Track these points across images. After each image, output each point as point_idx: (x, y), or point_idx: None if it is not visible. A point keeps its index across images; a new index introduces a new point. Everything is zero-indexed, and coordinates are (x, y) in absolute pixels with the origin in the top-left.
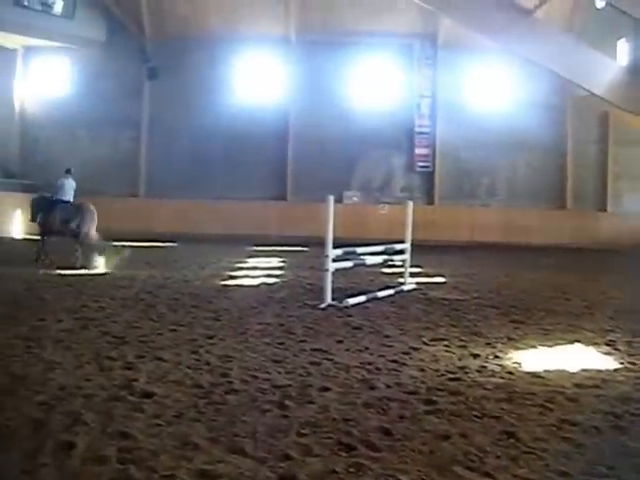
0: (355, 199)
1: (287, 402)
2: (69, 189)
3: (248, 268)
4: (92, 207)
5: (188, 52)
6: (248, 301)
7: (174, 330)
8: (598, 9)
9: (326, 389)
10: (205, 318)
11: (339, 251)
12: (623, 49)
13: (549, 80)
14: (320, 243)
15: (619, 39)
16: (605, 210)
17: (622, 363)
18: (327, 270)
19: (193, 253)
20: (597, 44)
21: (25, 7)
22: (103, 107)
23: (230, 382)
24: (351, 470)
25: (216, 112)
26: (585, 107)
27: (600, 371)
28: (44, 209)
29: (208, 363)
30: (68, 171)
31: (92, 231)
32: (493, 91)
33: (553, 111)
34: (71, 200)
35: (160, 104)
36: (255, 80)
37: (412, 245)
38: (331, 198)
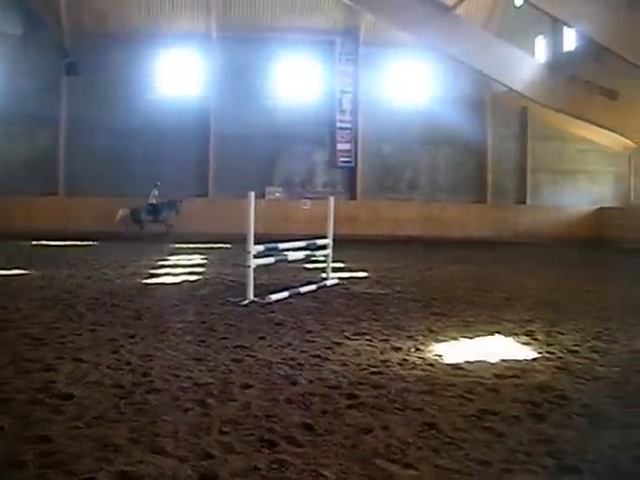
0: (277, 195)
1: (209, 400)
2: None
3: (170, 266)
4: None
5: (108, 48)
6: (169, 299)
7: (94, 330)
8: (517, 7)
9: (248, 386)
10: (126, 317)
11: (261, 247)
12: (541, 46)
13: (469, 76)
14: (242, 239)
15: (537, 36)
16: (524, 203)
17: (540, 353)
18: (249, 266)
19: (114, 251)
20: (516, 41)
21: None
22: (19, 104)
23: (151, 381)
24: (273, 466)
25: (138, 109)
26: (504, 103)
27: (519, 361)
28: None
29: (129, 363)
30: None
31: None
32: (414, 87)
33: (473, 106)
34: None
35: (80, 101)
36: (177, 77)
37: (334, 240)
38: (252, 194)
